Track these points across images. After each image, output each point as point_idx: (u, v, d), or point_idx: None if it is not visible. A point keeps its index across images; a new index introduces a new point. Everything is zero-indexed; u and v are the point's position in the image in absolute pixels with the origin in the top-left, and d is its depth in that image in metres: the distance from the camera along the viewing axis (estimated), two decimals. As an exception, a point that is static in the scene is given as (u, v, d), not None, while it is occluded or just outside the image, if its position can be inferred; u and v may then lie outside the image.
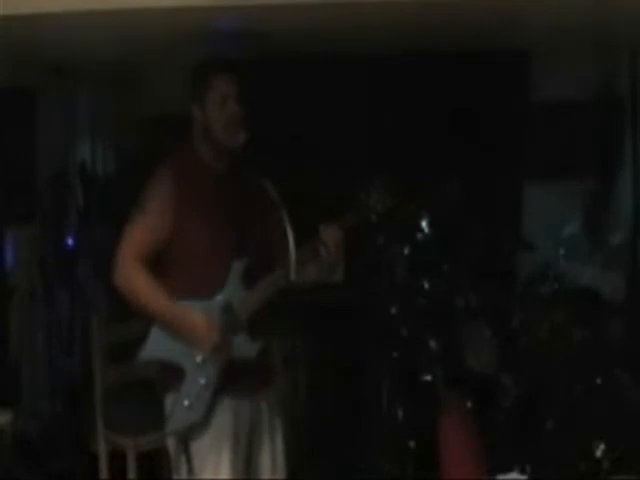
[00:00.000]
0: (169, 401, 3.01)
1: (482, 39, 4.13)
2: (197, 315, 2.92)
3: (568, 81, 4.85)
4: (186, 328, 2.92)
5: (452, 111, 4.77)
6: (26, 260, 4.46)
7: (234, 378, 2.97)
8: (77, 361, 4.63)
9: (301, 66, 4.45)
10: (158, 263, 2.97)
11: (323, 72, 4.54)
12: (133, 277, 2.93)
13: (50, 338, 4.58)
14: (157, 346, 2.98)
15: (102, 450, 3.95)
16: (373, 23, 3.59)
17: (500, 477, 3.77)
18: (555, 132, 4.92)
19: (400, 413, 4.12)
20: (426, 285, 4.21)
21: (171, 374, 2.98)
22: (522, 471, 3.79)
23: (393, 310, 4.17)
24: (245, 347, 2.98)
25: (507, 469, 3.80)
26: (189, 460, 2.98)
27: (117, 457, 3.97)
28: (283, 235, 2.92)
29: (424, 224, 4.21)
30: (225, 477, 2.98)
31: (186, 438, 2.98)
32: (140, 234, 2.95)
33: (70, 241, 4.73)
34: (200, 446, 2.99)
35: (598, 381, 3.79)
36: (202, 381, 2.94)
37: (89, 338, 4.08)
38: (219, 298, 2.96)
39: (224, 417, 2.99)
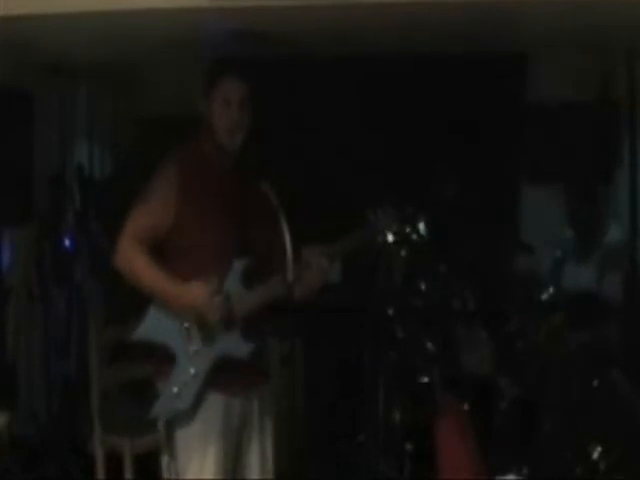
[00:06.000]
0: (159, 387, 3.01)
1: (479, 42, 4.13)
2: (196, 284, 2.92)
3: (565, 83, 4.86)
4: (186, 299, 2.92)
5: (449, 113, 4.77)
6: (23, 261, 4.46)
7: (226, 374, 2.96)
8: (74, 362, 4.63)
9: (303, 68, 4.47)
10: (160, 254, 2.99)
11: (323, 74, 4.56)
12: (132, 257, 2.96)
13: (47, 339, 4.57)
14: (153, 327, 2.99)
15: (99, 452, 3.94)
16: (372, 25, 3.60)
17: (497, 479, 3.77)
18: (552, 134, 4.93)
19: (397, 414, 4.12)
20: (423, 287, 4.22)
21: (163, 360, 2.98)
22: (519, 473, 3.79)
23: (390, 312, 4.17)
24: (237, 346, 2.98)
25: (504, 471, 3.81)
26: (172, 454, 2.99)
27: (114, 458, 3.97)
28: (282, 239, 2.92)
29: (421, 226, 4.21)
30: (211, 474, 2.96)
31: (173, 429, 2.98)
32: (141, 219, 2.99)
33: (67, 242, 4.73)
34: (187, 440, 2.98)
35: (595, 383, 3.79)
36: (192, 371, 2.94)
37: (86, 339, 4.08)
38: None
39: (213, 412, 2.98)
